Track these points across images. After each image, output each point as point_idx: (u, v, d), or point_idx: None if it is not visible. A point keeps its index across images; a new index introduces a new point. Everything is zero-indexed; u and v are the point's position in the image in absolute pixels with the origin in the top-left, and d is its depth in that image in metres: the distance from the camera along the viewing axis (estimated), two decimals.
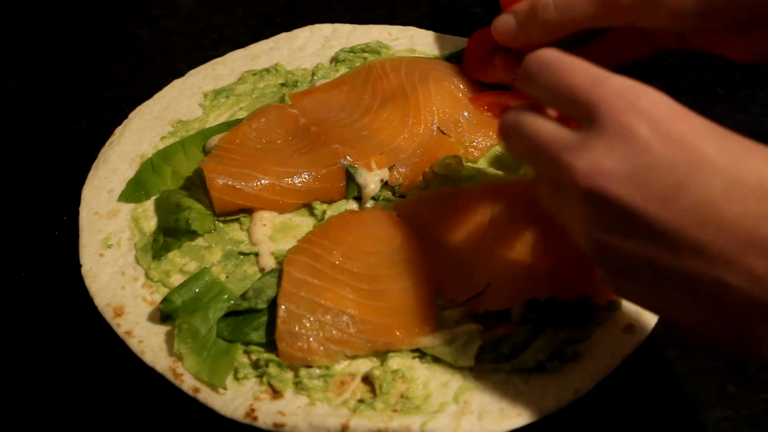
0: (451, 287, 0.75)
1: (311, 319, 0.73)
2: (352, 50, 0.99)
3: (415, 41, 1.02)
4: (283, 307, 0.73)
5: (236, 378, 0.74)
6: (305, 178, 0.83)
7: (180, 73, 1.00)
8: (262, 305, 0.75)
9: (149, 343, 0.76)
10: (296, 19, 1.08)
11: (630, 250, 0.56)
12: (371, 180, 0.83)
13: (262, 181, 0.82)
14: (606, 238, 0.57)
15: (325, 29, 1.04)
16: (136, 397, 0.73)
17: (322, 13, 1.09)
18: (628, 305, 0.75)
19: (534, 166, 0.63)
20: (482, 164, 0.87)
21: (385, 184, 0.84)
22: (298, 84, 0.97)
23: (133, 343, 0.76)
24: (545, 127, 0.61)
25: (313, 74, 0.97)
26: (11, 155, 0.93)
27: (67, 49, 1.05)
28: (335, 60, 0.99)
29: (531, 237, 0.75)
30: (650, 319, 0.74)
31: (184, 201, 0.83)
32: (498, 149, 0.88)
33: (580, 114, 0.58)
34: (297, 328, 0.72)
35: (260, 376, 0.73)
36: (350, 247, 0.77)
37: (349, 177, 0.83)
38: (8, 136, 0.95)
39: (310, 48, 1.02)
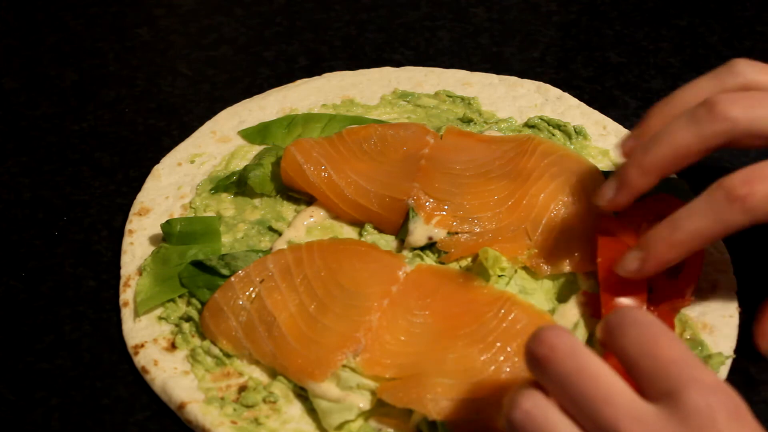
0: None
1: (246, 307, 0.73)
2: (548, 121, 0.90)
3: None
4: (232, 279, 0.74)
5: (159, 317, 0.75)
6: (369, 196, 0.80)
7: (180, 73, 1.00)
8: (225, 272, 0.76)
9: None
10: (296, 18, 1.08)
11: None
12: (421, 232, 0.78)
13: (330, 179, 0.81)
14: None
15: (552, 92, 0.94)
16: (136, 397, 0.73)
17: (322, 13, 1.09)
18: None
19: None
20: (528, 281, 0.77)
21: (433, 245, 0.78)
22: (471, 123, 0.90)
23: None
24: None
25: (495, 122, 0.91)
26: (11, 155, 0.93)
27: (67, 49, 1.05)
28: (527, 124, 0.90)
29: None
30: None
31: (268, 159, 0.84)
32: (553, 285, 0.77)
33: (657, 387, 0.55)
34: (229, 305, 0.73)
35: (177, 326, 0.75)
36: (329, 271, 0.74)
37: (407, 219, 0.79)
38: (8, 136, 0.95)
39: (522, 101, 0.94)
